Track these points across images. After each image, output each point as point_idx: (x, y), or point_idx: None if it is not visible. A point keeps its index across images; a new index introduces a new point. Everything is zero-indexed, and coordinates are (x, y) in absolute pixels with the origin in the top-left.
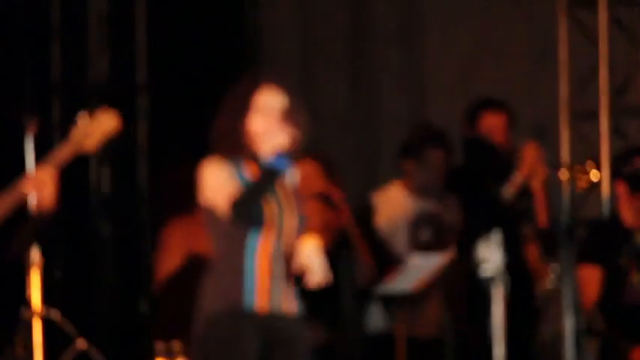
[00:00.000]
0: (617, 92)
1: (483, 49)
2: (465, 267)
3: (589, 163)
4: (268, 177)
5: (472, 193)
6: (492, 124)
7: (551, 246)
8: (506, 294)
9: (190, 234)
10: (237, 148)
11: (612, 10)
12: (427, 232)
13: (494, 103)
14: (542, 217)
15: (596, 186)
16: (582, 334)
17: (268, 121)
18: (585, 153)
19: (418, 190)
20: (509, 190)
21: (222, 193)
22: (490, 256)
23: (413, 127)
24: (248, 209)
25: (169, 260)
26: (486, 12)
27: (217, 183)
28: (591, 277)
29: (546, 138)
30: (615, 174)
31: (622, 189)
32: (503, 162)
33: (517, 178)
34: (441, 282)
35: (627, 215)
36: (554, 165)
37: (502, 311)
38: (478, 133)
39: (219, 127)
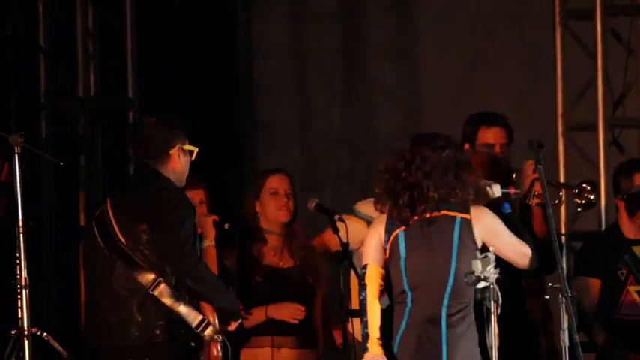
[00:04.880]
0: (614, 104)
1: (478, 62)
2: None
3: (585, 184)
4: None
5: None
6: (490, 139)
7: (547, 262)
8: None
9: None
10: None
11: (608, 21)
12: None
13: (492, 117)
14: (538, 234)
15: (593, 206)
16: (578, 347)
17: None
18: (582, 166)
19: None
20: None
21: None
22: (485, 272)
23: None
24: None
25: None
26: (481, 25)
27: None
28: (589, 289)
29: (542, 152)
30: (616, 189)
31: (622, 204)
32: (501, 177)
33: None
34: None
35: (626, 229)
36: (553, 184)
37: (496, 328)
38: (476, 149)
39: None
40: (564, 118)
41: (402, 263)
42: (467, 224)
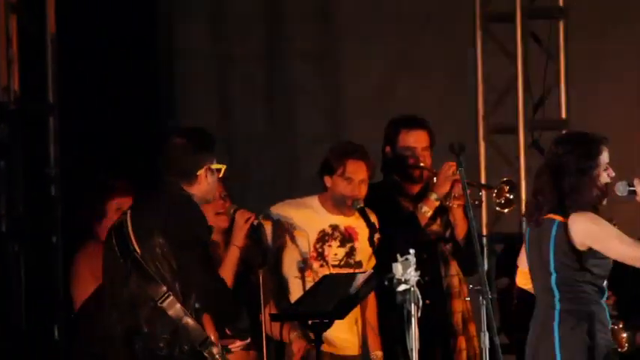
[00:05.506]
0: (535, 106)
1: (401, 65)
2: (379, 286)
3: (504, 184)
4: None
5: (389, 210)
6: (411, 142)
7: (468, 264)
8: (422, 313)
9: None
10: None
11: (528, 24)
12: (340, 250)
13: (413, 120)
14: (460, 235)
15: (513, 205)
16: (499, 349)
17: None
18: (502, 168)
19: (336, 206)
20: (424, 210)
21: None
22: (405, 275)
23: (333, 145)
24: None
25: (81, 289)
26: (403, 28)
27: None
28: (508, 291)
29: (463, 155)
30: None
31: None
32: (421, 180)
33: (432, 198)
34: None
35: None
36: (474, 184)
37: (416, 330)
38: (397, 151)
39: None
40: (485, 120)
41: (528, 260)
42: (563, 228)
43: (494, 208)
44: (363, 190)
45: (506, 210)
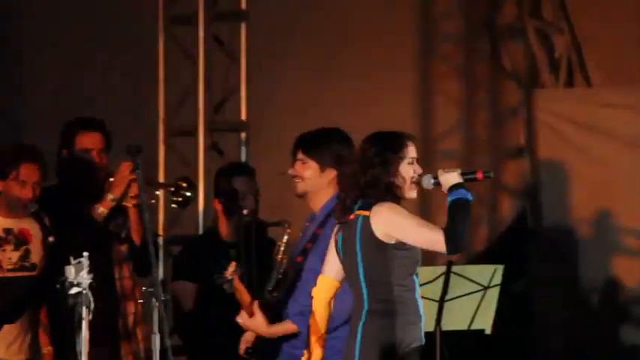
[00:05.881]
0: (215, 109)
1: (81, 66)
2: (52, 289)
3: (182, 182)
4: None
5: (64, 213)
6: (88, 144)
7: (144, 265)
8: (93, 316)
9: None
10: None
11: (210, 27)
12: (14, 254)
13: (90, 122)
14: (136, 236)
15: (191, 202)
16: (169, 351)
17: None
18: (182, 170)
19: (9, 209)
20: (100, 210)
21: None
22: (77, 278)
23: (4, 148)
24: None
25: None
26: (82, 28)
27: None
28: (187, 293)
29: (140, 156)
30: (216, 191)
31: (220, 206)
32: (98, 182)
33: (109, 198)
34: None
35: (224, 230)
36: (151, 183)
37: (87, 333)
38: (73, 154)
39: None
40: (166, 123)
41: (342, 263)
42: (366, 221)
43: (171, 210)
44: (36, 193)
45: (184, 208)
